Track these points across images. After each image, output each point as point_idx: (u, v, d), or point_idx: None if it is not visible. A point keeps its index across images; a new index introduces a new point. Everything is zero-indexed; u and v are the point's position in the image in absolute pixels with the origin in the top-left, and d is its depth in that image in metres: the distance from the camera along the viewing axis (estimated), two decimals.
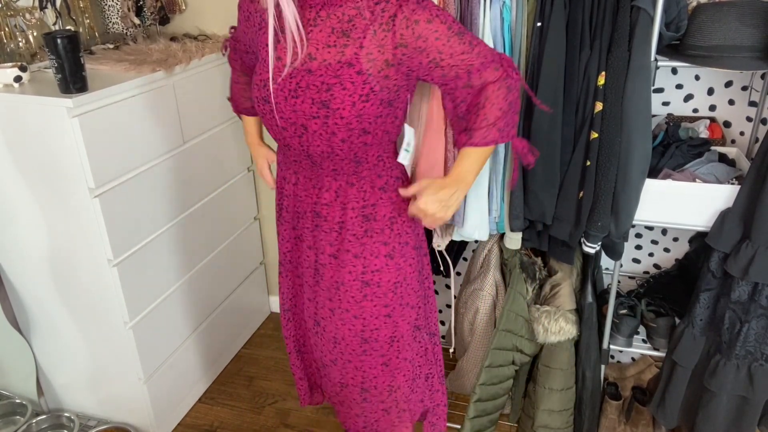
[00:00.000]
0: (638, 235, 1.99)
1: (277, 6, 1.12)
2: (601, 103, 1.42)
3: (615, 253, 1.57)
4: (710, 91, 1.75)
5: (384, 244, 1.30)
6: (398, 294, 1.35)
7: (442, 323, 2.45)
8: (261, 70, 1.20)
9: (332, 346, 1.40)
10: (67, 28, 1.88)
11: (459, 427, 1.84)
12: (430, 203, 1.19)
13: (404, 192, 1.26)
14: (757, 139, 1.72)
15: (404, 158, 1.32)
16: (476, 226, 1.58)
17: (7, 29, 1.72)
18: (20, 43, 1.76)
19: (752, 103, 1.73)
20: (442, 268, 1.87)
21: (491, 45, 1.44)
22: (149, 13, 2.08)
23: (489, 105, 1.20)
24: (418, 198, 1.21)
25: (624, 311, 1.76)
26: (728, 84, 1.73)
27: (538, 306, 1.73)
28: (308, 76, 1.15)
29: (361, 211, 1.29)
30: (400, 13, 1.11)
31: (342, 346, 1.39)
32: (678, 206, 1.52)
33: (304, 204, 1.33)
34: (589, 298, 1.71)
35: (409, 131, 1.33)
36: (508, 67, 1.20)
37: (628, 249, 2.02)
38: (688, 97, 1.78)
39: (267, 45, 1.16)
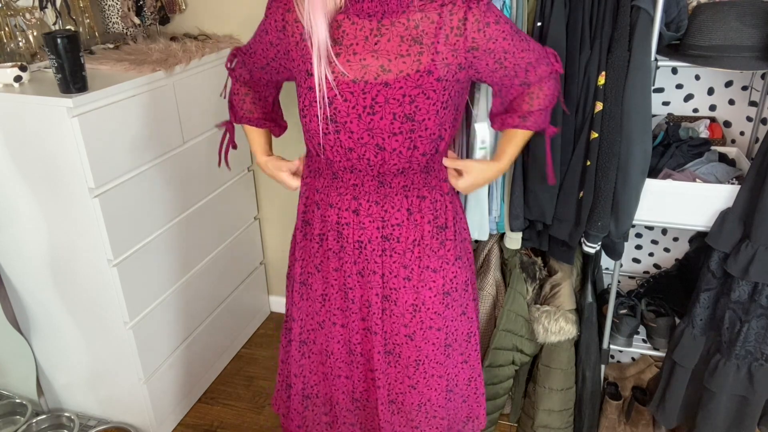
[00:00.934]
0: (638, 235, 1.99)
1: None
2: (601, 103, 1.42)
3: (615, 253, 1.57)
4: (710, 91, 1.75)
5: (453, 249, 1.27)
6: (469, 291, 1.34)
7: None
8: (312, 85, 1.11)
9: (413, 370, 1.33)
10: (67, 28, 1.88)
11: None
12: (469, 188, 1.27)
13: (450, 163, 1.26)
14: (757, 139, 1.72)
15: (481, 155, 1.33)
16: (476, 226, 1.58)
17: (7, 29, 1.72)
18: (20, 43, 1.76)
19: (752, 103, 1.73)
20: None
21: None
22: (149, 13, 2.07)
23: (542, 94, 1.22)
24: (462, 175, 1.27)
25: (624, 311, 1.76)
26: (728, 84, 1.73)
27: (538, 306, 1.73)
28: (385, 89, 1.08)
29: (435, 223, 1.24)
30: (470, 15, 1.07)
31: (425, 365, 1.32)
32: (678, 206, 1.52)
33: (369, 231, 1.23)
34: (589, 298, 1.71)
35: (481, 128, 1.33)
36: (555, 61, 1.22)
37: (628, 249, 2.02)
38: (688, 97, 1.78)
39: (312, 58, 1.08)
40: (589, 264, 1.76)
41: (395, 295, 1.27)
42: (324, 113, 1.12)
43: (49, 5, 1.82)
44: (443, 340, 1.32)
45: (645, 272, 2.05)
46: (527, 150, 1.49)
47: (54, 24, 1.85)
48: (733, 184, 1.48)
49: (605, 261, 2.00)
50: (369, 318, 1.30)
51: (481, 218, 1.58)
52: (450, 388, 1.39)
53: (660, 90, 1.79)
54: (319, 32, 1.06)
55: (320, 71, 1.09)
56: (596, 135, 1.43)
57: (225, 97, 1.47)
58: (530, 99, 1.23)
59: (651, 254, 2.01)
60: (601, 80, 1.41)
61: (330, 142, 1.15)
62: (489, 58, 1.13)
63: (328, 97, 1.10)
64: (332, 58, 1.08)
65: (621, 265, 1.77)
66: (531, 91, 1.22)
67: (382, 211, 1.21)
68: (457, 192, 1.34)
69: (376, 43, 1.08)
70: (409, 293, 1.26)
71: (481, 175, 1.28)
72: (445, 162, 1.26)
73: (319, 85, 1.10)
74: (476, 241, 2.01)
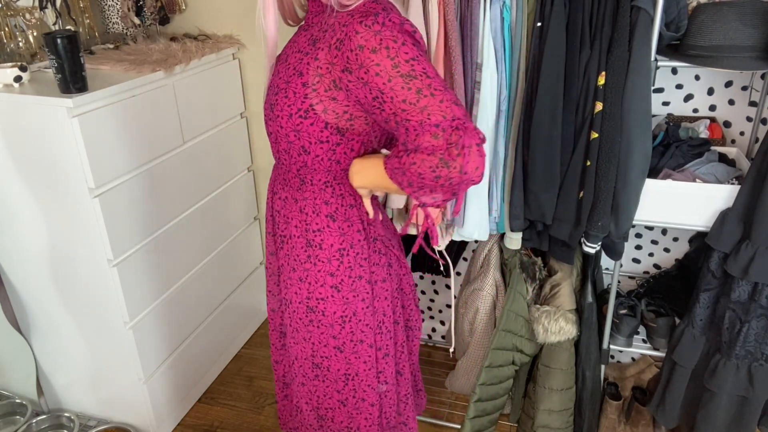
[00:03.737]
0: (638, 235, 1.99)
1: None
2: (601, 103, 1.42)
3: (615, 253, 1.57)
4: (710, 91, 1.75)
5: (331, 275, 1.19)
6: (347, 329, 1.23)
7: (442, 323, 2.45)
8: None
9: (291, 362, 1.36)
10: (67, 28, 1.88)
11: (459, 427, 1.84)
12: (357, 182, 1.14)
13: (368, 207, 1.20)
14: (757, 139, 1.72)
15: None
16: (476, 226, 1.58)
17: (7, 29, 1.72)
18: (20, 43, 1.76)
19: (752, 103, 1.73)
20: (442, 268, 1.87)
21: (491, 45, 1.44)
22: (149, 13, 2.07)
23: (414, 169, 0.96)
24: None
25: (624, 311, 1.76)
26: (728, 84, 1.73)
27: (538, 306, 1.73)
28: (275, 77, 1.13)
29: (305, 235, 1.19)
30: (352, 30, 0.96)
31: (296, 366, 1.33)
32: (678, 206, 1.52)
33: (271, 206, 1.29)
34: (589, 298, 1.71)
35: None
36: (459, 140, 0.91)
37: (628, 249, 2.02)
38: (688, 97, 1.78)
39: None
40: (589, 264, 1.76)
41: (281, 281, 1.30)
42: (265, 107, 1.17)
43: (49, 5, 1.82)
44: (309, 354, 1.30)
45: (645, 272, 2.05)
46: (527, 150, 1.49)
47: (54, 24, 1.85)
48: (733, 184, 1.48)
49: (605, 261, 2.00)
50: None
51: (481, 218, 1.58)
52: (321, 415, 1.36)
53: (660, 90, 1.79)
54: (267, 34, 1.14)
55: (268, 71, 1.18)
56: (596, 135, 1.43)
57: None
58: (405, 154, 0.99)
59: (651, 254, 2.01)
60: (601, 80, 1.41)
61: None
62: (366, 91, 0.98)
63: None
64: (265, 33, 1.14)
65: (621, 265, 1.77)
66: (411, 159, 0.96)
67: (272, 192, 1.26)
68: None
69: (299, 36, 1.14)
70: (283, 285, 1.29)
71: (359, 167, 1.13)
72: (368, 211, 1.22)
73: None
74: (476, 241, 2.01)
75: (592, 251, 1.56)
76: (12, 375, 1.95)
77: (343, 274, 1.20)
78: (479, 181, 0.96)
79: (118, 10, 2.03)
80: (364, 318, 1.24)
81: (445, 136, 0.92)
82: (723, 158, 1.66)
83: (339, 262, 1.19)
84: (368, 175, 1.11)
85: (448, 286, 2.34)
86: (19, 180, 1.61)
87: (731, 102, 1.74)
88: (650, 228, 1.97)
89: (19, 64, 1.56)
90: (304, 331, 1.27)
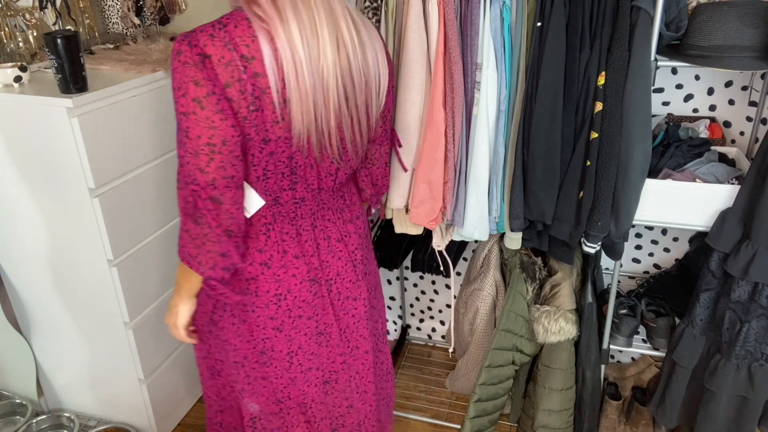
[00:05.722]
0: (638, 235, 1.99)
1: None
2: (601, 103, 1.42)
3: (615, 253, 1.57)
4: (710, 91, 1.75)
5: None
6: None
7: (442, 323, 2.45)
8: None
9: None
10: (67, 28, 1.88)
11: (459, 427, 1.84)
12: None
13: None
14: (757, 139, 1.72)
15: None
16: (476, 226, 1.58)
17: (7, 29, 1.72)
18: (20, 43, 1.76)
19: (752, 103, 1.73)
20: (442, 268, 1.87)
21: (490, 45, 1.44)
22: (149, 13, 2.08)
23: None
24: None
25: (624, 311, 1.76)
26: (728, 84, 1.73)
27: (538, 306, 1.73)
28: None
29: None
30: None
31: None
32: (678, 206, 1.52)
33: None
34: (589, 298, 1.71)
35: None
36: (190, 195, 1.04)
37: (628, 249, 2.02)
38: (688, 97, 1.78)
39: None
40: (589, 264, 1.76)
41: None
42: None
43: (49, 5, 1.82)
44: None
45: (645, 272, 2.05)
46: (527, 150, 1.49)
47: (54, 24, 1.85)
48: (733, 184, 1.48)
49: (605, 261, 2.00)
50: None
51: (481, 218, 1.58)
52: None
53: (660, 90, 1.79)
54: None
55: None
56: (596, 135, 1.43)
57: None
58: None
59: (651, 254, 2.01)
60: (601, 80, 1.41)
61: None
62: None
63: None
64: None
65: (621, 265, 1.77)
66: None
67: None
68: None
69: None
70: None
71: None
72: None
73: None
74: (476, 241, 2.01)
75: (592, 251, 1.56)
76: (12, 375, 1.95)
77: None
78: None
79: (118, 10, 2.04)
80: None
81: (189, 186, 1.04)
82: (723, 158, 1.66)
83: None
84: (181, 285, 1.26)
85: (448, 286, 2.34)
86: (19, 180, 1.61)
87: (731, 102, 1.74)
88: (650, 228, 1.97)
89: (19, 64, 1.56)
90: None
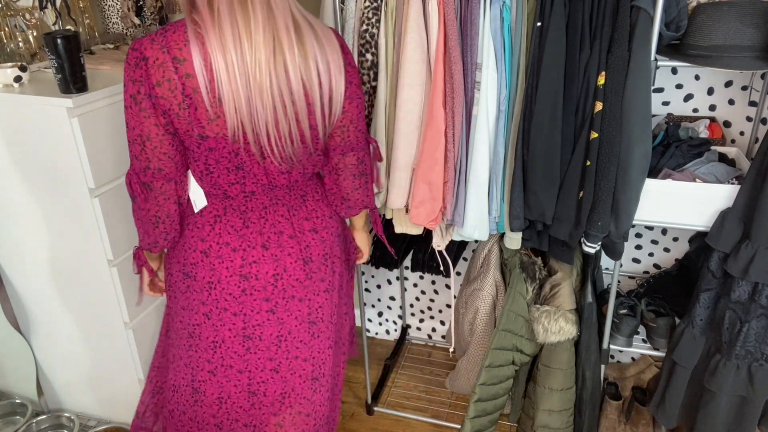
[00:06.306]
0: (638, 235, 1.99)
1: None
2: (601, 103, 1.42)
3: (615, 253, 1.57)
4: (710, 91, 1.75)
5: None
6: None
7: (442, 323, 2.45)
8: None
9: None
10: (67, 28, 1.88)
11: (459, 427, 1.84)
12: None
13: None
14: (757, 139, 1.72)
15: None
16: (476, 226, 1.58)
17: (7, 29, 1.72)
18: (20, 43, 1.76)
19: (752, 103, 1.73)
20: (442, 268, 1.87)
21: (490, 45, 1.44)
22: (149, 13, 2.07)
23: None
24: None
25: (624, 311, 1.76)
26: (728, 84, 1.73)
27: (538, 306, 1.73)
28: None
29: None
30: None
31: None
32: (678, 206, 1.52)
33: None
34: (589, 298, 1.71)
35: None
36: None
37: (628, 249, 2.02)
38: (688, 97, 1.78)
39: None
40: (589, 264, 1.76)
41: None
42: None
43: (49, 5, 1.82)
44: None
45: (645, 272, 2.05)
46: (527, 150, 1.49)
47: (54, 24, 1.85)
48: (733, 184, 1.48)
49: (605, 261, 2.00)
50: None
51: (481, 218, 1.58)
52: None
53: (660, 90, 1.79)
54: None
55: None
56: (596, 135, 1.43)
57: None
58: None
59: (651, 254, 2.01)
60: (601, 80, 1.41)
61: None
62: None
63: None
64: None
65: (621, 265, 1.77)
66: None
67: None
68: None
69: None
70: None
71: None
72: None
73: None
74: (476, 241, 2.01)
75: (592, 251, 1.56)
76: (12, 375, 1.95)
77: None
78: None
79: (118, 10, 2.04)
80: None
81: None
82: (723, 158, 1.66)
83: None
84: None
85: (448, 286, 2.34)
86: (19, 180, 1.61)
87: (731, 102, 1.74)
88: (650, 228, 1.97)
89: (19, 64, 1.56)
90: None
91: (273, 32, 1.09)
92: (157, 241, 1.27)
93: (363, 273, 2.33)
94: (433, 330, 2.48)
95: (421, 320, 2.48)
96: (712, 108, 1.77)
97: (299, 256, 1.31)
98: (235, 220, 1.27)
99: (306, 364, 1.40)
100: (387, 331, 2.54)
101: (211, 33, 1.06)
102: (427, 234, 1.75)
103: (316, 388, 1.44)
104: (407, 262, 2.28)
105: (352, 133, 1.29)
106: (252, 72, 1.08)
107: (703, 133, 1.69)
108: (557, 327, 1.67)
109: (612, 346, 1.75)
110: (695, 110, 1.79)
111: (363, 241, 1.59)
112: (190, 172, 1.25)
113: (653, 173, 1.57)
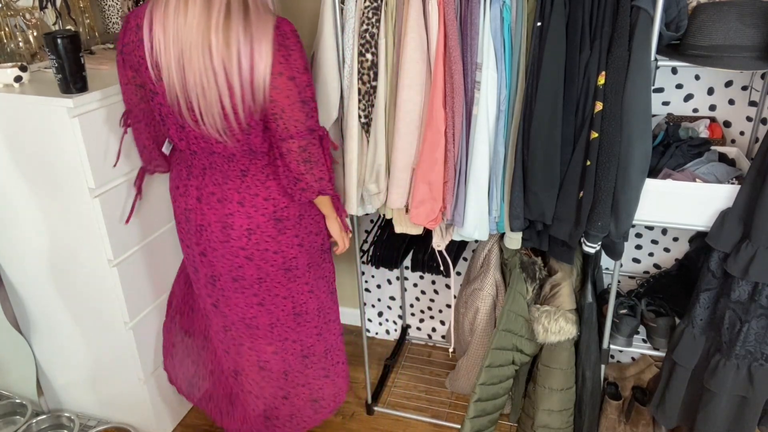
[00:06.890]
0: (638, 235, 1.99)
1: None
2: (601, 103, 1.42)
3: (615, 252, 1.57)
4: (710, 91, 1.75)
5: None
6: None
7: (442, 323, 2.45)
8: None
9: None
10: (67, 28, 1.88)
11: (459, 427, 1.84)
12: None
13: None
14: (757, 139, 1.72)
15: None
16: (476, 226, 1.58)
17: (7, 29, 1.72)
18: (20, 43, 1.76)
19: (752, 103, 1.73)
20: (442, 268, 1.87)
21: (490, 45, 1.44)
22: None
23: None
24: None
25: (624, 311, 1.76)
26: (728, 84, 1.73)
27: (538, 306, 1.73)
28: None
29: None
30: None
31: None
32: (678, 206, 1.52)
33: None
34: (589, 298, 1.71)
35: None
36: None
37: (628, 249, 2.02)
38: (688, 97, 1.78)
39: None
40: (589, 264, 1.76)
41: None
42: None
43: (49, 5, 1.82)
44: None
45: (645, 272, 2.05)
46: (527, 150, 1.49)
47: (54, 24, 1.85)
48: (733, 184, 1.48)
49: (605, 261, 2.00)
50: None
51: (481, 218, 1.58)
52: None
53: (660, 90, 1.79)
54: None
55: None
56: (596, 135, 1.43)
57: None
58: None
59: (651, 254, 2.01)
60: (601, 80, 1.41)
61: None
62: None
63: None
64: None
65: (621, 265, 1.77)
66: None
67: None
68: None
69: None
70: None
71: None
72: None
73: None
74: (476, 241, 2.01)
75: (592, 251, 1.56)
76: (12, 375, 1.95)
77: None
78: None
79: (118, 10, 2.03)
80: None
81: None
82: (723, 158, 1.66)
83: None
84: None
85: (448, 286, 2.34)
86: (20, 180, 1.61)
87: (731, 102, 1.74)
88: (650, 228, 1.97)
89: (19, 64, 1.56)
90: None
91: (207, 15, 1.24)
92: (146, 165, 1.60)
93: (363, 273, 2.33)
94: (433, 330, 2.48)
95: (421, 320, 2.48)
96: (712, 108, 1.77)
97: (219, 219, 1.48)
98: (183, 169, 1.52)
99: (230, 311, 1.64)
100: (387, 331, 2.54)
101: (161, 8, 1.27)
102: (427, 234, 1.75)
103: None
104: (407, 262, 2.28)
105: (285, 122, 1.35)
106: (185, 47, 1.26)
107: (703, 133, 1.69)
108: (557, 327, 1.67)
109: (612, 346, 1.75)
110: (695, 110, 1.79)
111: (334, 231, 1.64)
112: None
113: (653, 173, 1.57)
